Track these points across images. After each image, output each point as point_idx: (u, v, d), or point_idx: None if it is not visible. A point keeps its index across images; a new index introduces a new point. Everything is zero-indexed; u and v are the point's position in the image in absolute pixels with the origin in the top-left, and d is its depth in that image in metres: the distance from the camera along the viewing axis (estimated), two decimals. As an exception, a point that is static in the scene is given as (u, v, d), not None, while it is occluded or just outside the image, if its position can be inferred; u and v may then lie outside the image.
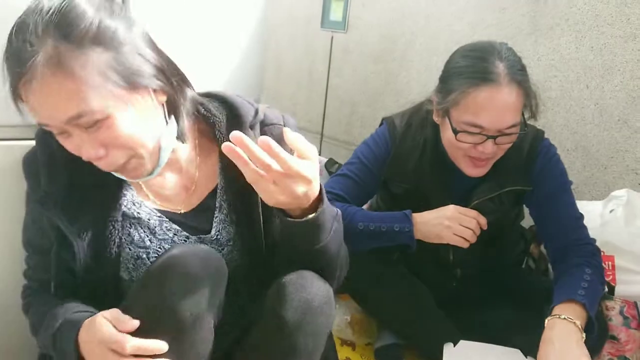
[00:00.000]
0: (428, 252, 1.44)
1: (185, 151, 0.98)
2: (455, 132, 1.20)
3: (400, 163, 1.37)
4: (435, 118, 1.28)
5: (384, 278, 1.38)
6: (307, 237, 0.88)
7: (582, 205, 1.46)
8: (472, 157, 1.24)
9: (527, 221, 1.69)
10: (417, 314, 1.40)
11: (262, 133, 0.99)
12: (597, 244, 1.34)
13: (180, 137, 0.94)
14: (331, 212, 0.90)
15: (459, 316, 1.46)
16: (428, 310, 1.41)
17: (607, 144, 1.65)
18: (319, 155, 1.83)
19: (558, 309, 1.16)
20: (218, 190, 0.98)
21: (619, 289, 1.41)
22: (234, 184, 0.97)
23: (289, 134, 0.77)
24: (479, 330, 1.41)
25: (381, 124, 1.45)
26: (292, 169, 0.76)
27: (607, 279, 1.42)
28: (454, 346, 1.38)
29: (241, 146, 0.74)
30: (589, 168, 1.69)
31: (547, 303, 1.33)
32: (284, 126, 1.01)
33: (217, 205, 0.98)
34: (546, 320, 1.15)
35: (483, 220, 1.26)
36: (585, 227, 1.33)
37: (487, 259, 1.47)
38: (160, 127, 0.89)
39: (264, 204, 0.93)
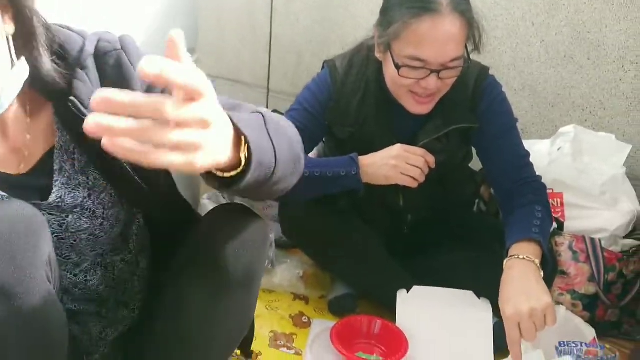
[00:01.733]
0: (377, 198, 1.40)
1: (11, 110, 0.76)
2: (398, 67, 1.14)
3: (343, 106, 1.31)
4: (377, 54, 1.22)
5: (333, 229, 1.34)
6: (254, 184, 0.68)
7: (530, 145, 1.44)
8: (415, 93, 1.19)
9: (477, 164, 1.67)
10: (369, 264, 1.37)
11: (99, 69, 0.79)
12: (546, 181, 1.33)
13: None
14: (258, 130, 0.67)
15: (411, 262, 1.45)
16: (379, 258, 1.38)
17: (554, 82, 1.63)
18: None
19: (515, 249, 1.14)
20: (56, 151, 0.80)
21: (568, 225, 1.41)
22: (80, 140, 0.79)
23: (146, 67, 0.48)
24: (432, 275, 1.39)
25: (323, 67, 1.38)
26: (165, 114, 0.50)
27: (556, 216, 1.42)
28: (407, 292, 1.36)
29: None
30: (537, 107, 1.68)
31: (498, 243, 1.33)
32: (121, 50, 0.79)
33: (57, 167, 0.80)
34: (504, 261, 1.14)
35: (431, 159, 1.22)
36: (531, 165, 1.32)
37: (438, 202, 1.44)
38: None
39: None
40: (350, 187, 1.25)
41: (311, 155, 1.46)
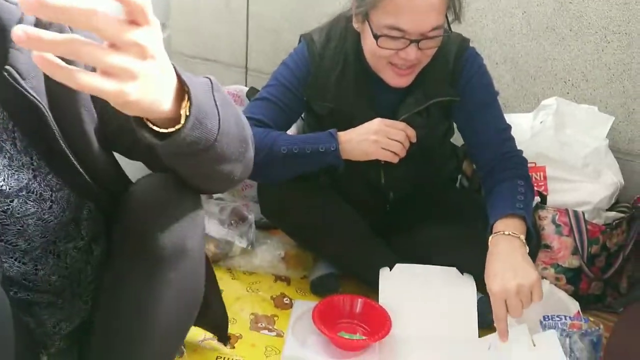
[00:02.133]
0: (358, 175, 1.37)
1: None
2: (376, 37, 1.10)
3: (322, 81, 1.27)
4: (355, 25, 1.18)
5: (313, 207, 1.30)
6: (191, 148, 0.62)
7: (512, 118, 1.42)
8: (395, 65, 1.16)
9: (459, 140, 1.65)
10: (351, 242, 1.34)
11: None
12: (529, 155, 1.31)
13: None
14: (203, 92, 0.62)
15: (394, 239, 1.42)
16: (362, 236, 1.35)
17: (536, 54, 1.60)
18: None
19: (499, 225, 1.13)
20: None
21: (551, 198, 1.39)
22: (19, 117, 0.72)
23: None
24: (415, 252, 1.37)
25: (300, 41, 1.33)
26: (105, 29, 0.46)
27: (539, 190, 1.40)
28: (390, 270, 1.34)
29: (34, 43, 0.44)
30: (518, 80, 1.65)
31: (480, 219, 1.31)
32: None
33: None
34: (489, 238, 1.13)
35: (412, 132, 1.19)
36: (513, 139, 1.30)
37: (420, 178, 1.41)
38: None
39: (72, 134, 0.71)
40: (330, 163, 1.21)
41: (290, 132, 1.42)
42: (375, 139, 1.17)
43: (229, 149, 0.67)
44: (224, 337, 1.10)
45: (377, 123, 1.19)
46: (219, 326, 1.10)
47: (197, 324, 1.08)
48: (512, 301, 1.02)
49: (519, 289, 1.02)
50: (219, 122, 0.63)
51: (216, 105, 0.63)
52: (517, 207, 1.15)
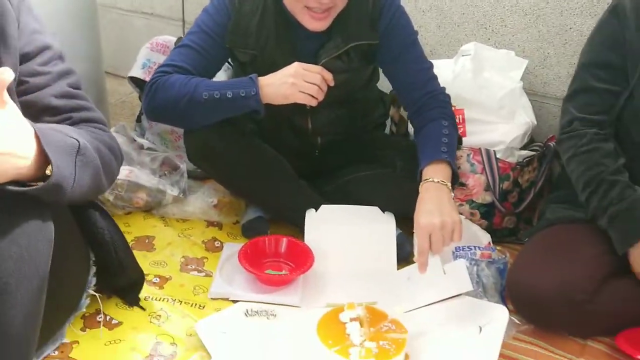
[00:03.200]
0: (285, 121, 1.41)
1: None
2: (289, -20, 1.12)
3: (243, 27, 1.29)
4: None
5: (239, 152, 1.34)
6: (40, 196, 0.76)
7: (436, 65, 1.46)
8: (311, 9, 1.18)
9: (386, 86, 1.69)
10: (277, 185, 1.39)
11: None
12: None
13: None
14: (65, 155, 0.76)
15: (320, 182, 1.47)
16: (288, 180, 1.40)
17: (460, 2, 1.64)
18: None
19: (428, 171, 1.20)
20: None
21: (469, 139, 1.46)
22: None
23: None
24: (339, 193, 1.43)
25: (220, -12, 1.33)
26: None
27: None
28: (316, 211, 1.39)
29: None
30: (443, 27, 1.69)
31: (400, 160, 1.38)
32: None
33: None
34: (420, 185, 1.19)
35: (328, 76, 1.23)
36: (436, 77, 1.36)
37: (347, 123, 1.46)
38: None
39: None
40: (251, 108, 1.24)
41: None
42: (293, 82, 1.20)
43: (82, 195, 0.83)
44: (132, 299, 1.16)
45: (294, 67, 1.22)
46: (133, 288, 1.15)
47: (108, 288, 1.14)
48: (436, 235, 1.10)
49: (443, 225, 1.10)
50: (74, 182, 0.78)
51: (75, 169, 0.78)
52: (442, 150, 1.22)
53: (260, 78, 1.24)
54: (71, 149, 0.78)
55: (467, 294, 1.18)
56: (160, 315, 1.15)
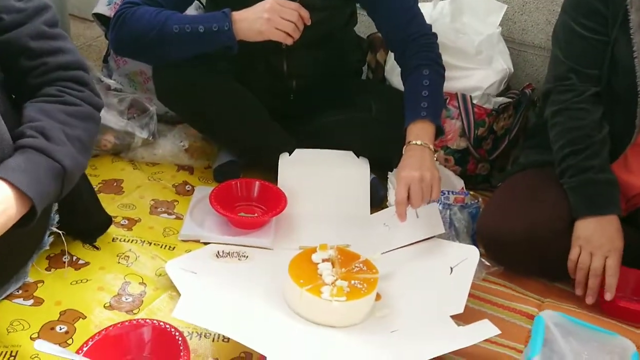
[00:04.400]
0: (260, 62, 1.37)
1: None
2: None
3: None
4: None
5: (211, 90, 1.29)
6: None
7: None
8: None
9: (363, 31, 1.65)
10: (250, 127, 1.36)
11: None
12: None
13: None
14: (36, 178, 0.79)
15: (295, 126, 1.45)
16: (261, 122, 1.37)
17: (440, -57, 1.59)
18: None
19: (412, 132, 1.19)
20: None
21: (446, 85, 1.42)
22: None
23: None
24: (314, 137, 1.41)
25: None
26: None
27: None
28: (290, 155, 1.37)
29: None
30: (423, -30, 1.65)
31: (375, 104, 1.36)
32: None
33: None
34: (404, 147, 1.18)
35: (305, 13, 1.18)
36: (420, 14, 1.32)
37: (323, 67, 1.42)
38: None
39: None
40: (224, 44, 1.19)
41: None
42: (268, 18, 1.16)
43: (71, 182, 0.87)
44: (88, 237, 1.14)
45: (270, 2, 1.17)
46: (100, 232, 1.14)
47: (74, 232, 1.12)
48: (415, 187, 1.10)
49: (422, 178, 1.10)
50: (61, 194, 0.85)
51: (62, 186, 0.84)
52: (423, 107, 1.20)
53: (234, 13, 1.18)
54: (56, 174, 0.82)
55: (440, 236, 1.18)
56: (128, 256, 1.13)
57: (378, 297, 1.07)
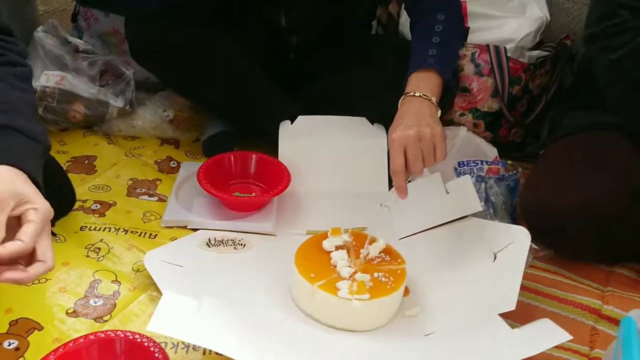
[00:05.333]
0: (255, 15, 1.15)
1: None
2: None
3: None
4: None
5: (196, 45, 1.09)
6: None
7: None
8: None
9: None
10: (245, 90, 1.16)
11: None
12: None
13: None
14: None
15: (297, 90, 1.24)
16: (257, 83, 1.17)
17: None
18: None
19: (412, 83, 0.97)
20: None
21: (470, 38, 1.22)
22: None
23: None
24: (319, 102, 1.20)
25: None
26: None
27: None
28: (292, 123, 1.16)
29: None
30: None
31: (392, 58, 1.14)
32: None
33: None
34: (400, 100, 0.96)
35: None
36: None
37: (326, 21, 1.21)
38: None
39: None
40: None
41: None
42: None
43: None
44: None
45: None
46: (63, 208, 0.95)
47: None
48: (412, 149, 0.87)
49: (420, 136, 0.87)
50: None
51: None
52: (430, 54, 0.98)
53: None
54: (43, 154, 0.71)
55: (475, 215, 0.98)
56: (99, 248, 0.93)
57: (406, 291, 0.87)
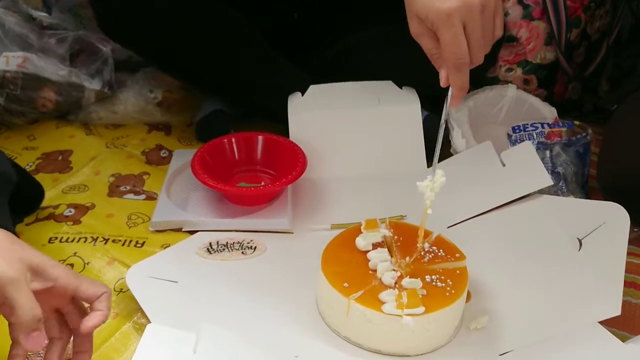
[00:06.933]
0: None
1: None
2: None
3: None
4: None
5: (187, 11, 0.89)
6: None
7: None
8: None
9: None
10: (243, 58, 0.95)
11: None
12: None
13: None
14: None
15: (304, 55, 1.03)
16: (259, 50, 0.96)
17: None
18: None
19: None
20: None
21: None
22: None
23: None
24: (332, 68, 1.00)
25: None
26: None
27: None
28: (302, 95, 0.96)
29: None
30: None
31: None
32: None
33: None
34: None
35: None
36: None
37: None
38: None
39: None
40: None
41: None
42: None
43: None
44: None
45: None
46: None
47: None
48: (474, 23, 0.62)
49: (484, 4, 0.62)
50: None
51: None
52: None
53: None
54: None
55: (541, 192, 0.78)
56: (72, 264, 0.74)
57: (468, 296, 0.67)
